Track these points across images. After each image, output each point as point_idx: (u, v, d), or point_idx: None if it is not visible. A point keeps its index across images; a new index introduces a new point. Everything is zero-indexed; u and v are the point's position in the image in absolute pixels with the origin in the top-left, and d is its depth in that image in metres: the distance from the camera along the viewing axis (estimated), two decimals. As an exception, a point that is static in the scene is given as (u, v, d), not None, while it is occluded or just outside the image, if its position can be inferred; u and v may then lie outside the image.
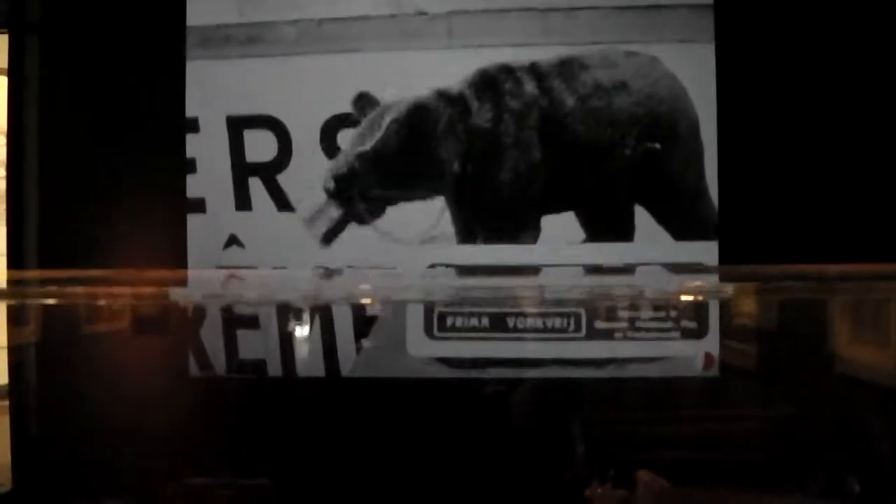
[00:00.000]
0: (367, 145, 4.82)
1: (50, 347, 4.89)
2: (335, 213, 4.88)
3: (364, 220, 4.86)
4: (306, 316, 4.90)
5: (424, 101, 4.80)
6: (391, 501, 4.33)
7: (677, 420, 4.45)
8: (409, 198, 4.87)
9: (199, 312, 4.99)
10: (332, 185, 4.88)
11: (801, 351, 4.74)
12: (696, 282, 3.76)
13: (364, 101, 4.81)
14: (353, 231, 4.94)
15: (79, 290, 2.90)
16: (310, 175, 4.99)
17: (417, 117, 4.78)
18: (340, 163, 4.88)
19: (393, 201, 4.87)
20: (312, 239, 4.90)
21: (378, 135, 4.80)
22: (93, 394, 4.71)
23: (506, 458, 4.62)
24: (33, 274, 4.49)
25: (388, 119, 4.80)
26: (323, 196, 4.87)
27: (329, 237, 4.90)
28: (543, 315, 4.87)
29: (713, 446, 4.20)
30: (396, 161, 4.83)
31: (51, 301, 3.11)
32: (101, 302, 3.03)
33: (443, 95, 4.83)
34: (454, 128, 4.80)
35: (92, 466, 4.16)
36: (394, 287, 3.94)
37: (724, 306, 4.90)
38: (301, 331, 4.90)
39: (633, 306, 4.87)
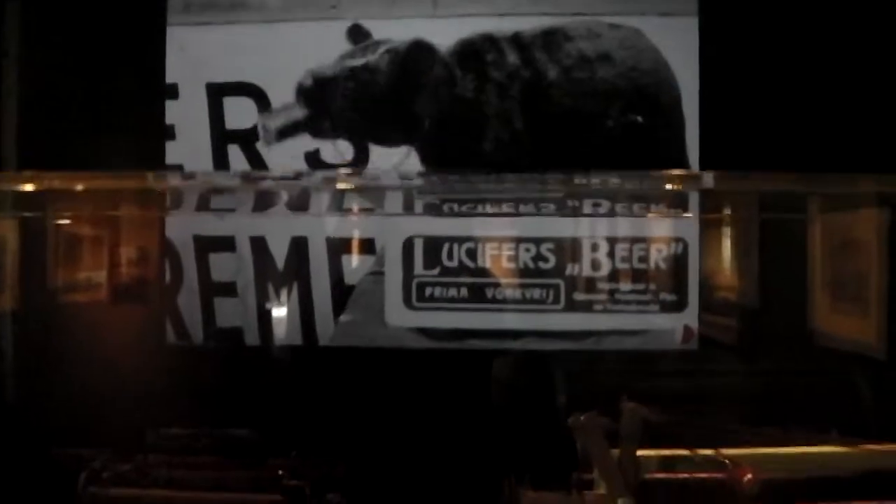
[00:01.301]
0: (356, 62, 4.77)
1: (27, 316, 4.84)
2: (298, 113, 4.83)
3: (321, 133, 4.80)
4: (285, 284, 4.87)
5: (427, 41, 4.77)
6: (369, 468, 4.31)
7: (656, 386, 4.44)
8: (380, 139, 4.83)
9: (177, 279, 4.96)
10: (309, 81, 4.83)
11: (780, 324, 4.74)
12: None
13: (357, 34, 4.77)
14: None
15: (55, 175, 2.86)
16: (289, 143, 4.95)
17: (415, 53, 4.74)
18: (323, 68, 4.82)
19: (362, 137, 4.83)
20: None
21: (370, 57, 4.75)
22: (69, 362, 4.66)
23: (485, 427, 4.60)
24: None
25: (383, 48, 4.75)
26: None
27: (283, 134, 4.85)
28: (523, 286, 4.85)
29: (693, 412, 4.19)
30: (380, 87, 4.79)
31: (28, 187, 3.06)
32: (80, 187, 2.96)
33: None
34: (438, 92, 4.77)
35: (68, 435, 4.11)
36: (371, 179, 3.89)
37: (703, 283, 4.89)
38: (279, 299, 4.87)
39: (613, 277, 4.86)
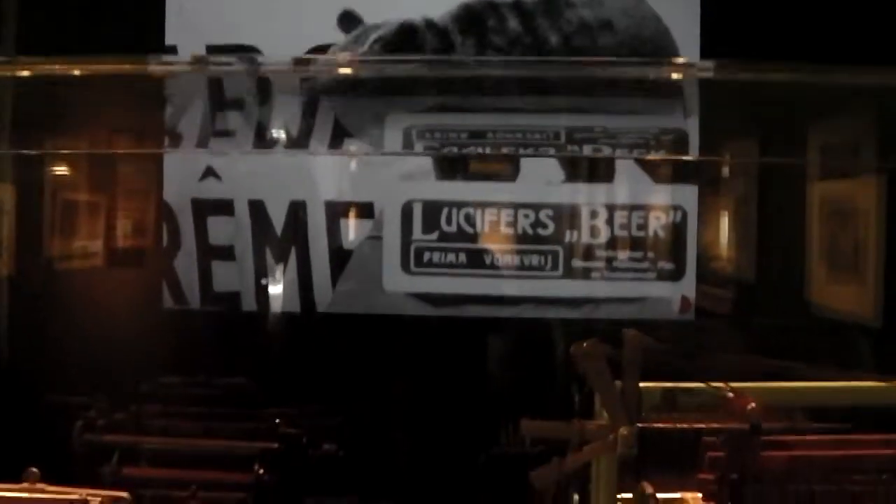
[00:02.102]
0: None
1: (23, 282, 4.82)
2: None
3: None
4: (283, 249, 4.86)
5: (413, 22, 4.75)
6: (366, 424, 4.30)
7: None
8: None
9: (174, 243, 4.94)
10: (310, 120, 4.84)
11: (778, 293, 4.74)
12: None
13: (348, 20, 4.76)
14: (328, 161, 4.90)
15: (56, 60, 2.84)
16: (288, 106, 4.93)
17: (404, 37, 4.72)
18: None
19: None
20: (288, 171, 4.85)
21: (362, 50, 4.74)
22: (66, 327, 4.64)
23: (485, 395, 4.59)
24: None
25: (372, 37, 4.74)
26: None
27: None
28: (521, 252, 4.84)
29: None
30: (375, 80, 4.79)
31: (25, 73, 3.03)
32: (78, 72, 2.93)
33: (430, 25, 4.78)
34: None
35: (65, 395, 4.09)
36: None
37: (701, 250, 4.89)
38: (277, 264, 4.85)
39: (611, 245, 4.85)
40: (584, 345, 2.07)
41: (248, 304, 4.92)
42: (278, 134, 4.80)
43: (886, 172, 4.18)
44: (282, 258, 4.88)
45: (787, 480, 2.11)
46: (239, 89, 4.75)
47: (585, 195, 4.81)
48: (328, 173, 4.85)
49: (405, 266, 4.80)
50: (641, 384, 2.19)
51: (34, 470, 2.35)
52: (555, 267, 4.79)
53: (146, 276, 4.91)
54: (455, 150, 4.63)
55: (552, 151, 4.59)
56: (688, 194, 4.81)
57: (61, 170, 4.90)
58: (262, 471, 3.03)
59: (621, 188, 4.80)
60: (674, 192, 4.80)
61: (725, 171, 4.87)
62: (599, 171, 4.82)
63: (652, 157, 4.61)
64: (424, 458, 4.28)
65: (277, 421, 3.39)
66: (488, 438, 4.22)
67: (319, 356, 4.55)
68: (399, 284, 4.80)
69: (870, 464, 2.09)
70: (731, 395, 2.08)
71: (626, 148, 4.64)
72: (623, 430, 2.10)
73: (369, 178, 4.78)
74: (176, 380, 3.70)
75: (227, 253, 4.91)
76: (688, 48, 4.78)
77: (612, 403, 2.08)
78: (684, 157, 4.59)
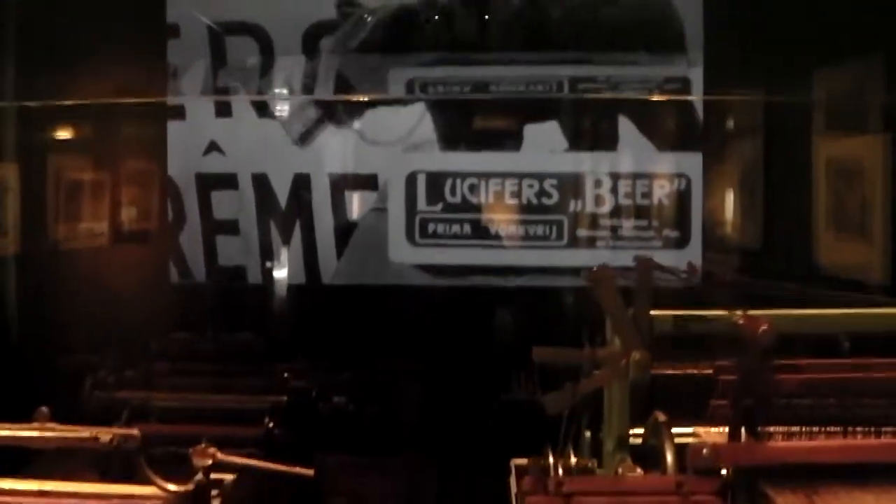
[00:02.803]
0: (350, 43, 4.77)
1: (30, 260, 4.82)
2: (312, 113, 4.83)
3: (342, 121, 4.81)
4: (287, 222, 4.86)
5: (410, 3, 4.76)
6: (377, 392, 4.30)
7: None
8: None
9: (179, 218, 4.94)
10: (311, 82, 4.83)
11: (783, 258, 4.73)
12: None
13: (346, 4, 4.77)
14: (332, 134, 4.90)
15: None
16: (291, 81, 4.93)
17: (402, 18, 4.73)
18: (321, 60, 4.82)
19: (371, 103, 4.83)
20: (291, 143, 4.85)
21: (361, 35, 4.74)
22: (74, 303, 4.64)
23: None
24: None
25: (371, 20, 4.75)
26: (302, 99, 4.82)
27: (305, 137, 4.85)
28: (525, 222, 4.84)
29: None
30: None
31: None
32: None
33: (429, 1, 4.79)
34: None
35: (75, 357, 4.09)
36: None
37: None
38: (281, 237, 4.85)
39: (616, 213, 4.85)
40: (595, 269, 2.07)
41: (254, 277, 4.92)
42: (280, 90, 4.80)
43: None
44: (286, 231, 4.88)
45: (800, 403, 2.10)
46: (240, 46, 4.76)
47: (589, 164, 4.80)
48: (332, 146, 4.84)
49: (410, 237, 4.80)
50: (653, 311, 2.19)
51: (44, 409, 2.34)
52: (560, 236, 4.79)
53: (152, 252, 4.90)
54: (458, 97, 4.62)
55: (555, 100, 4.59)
56: (692, 161, 4.80)
57: (65, 147, 4.89)
58: (272, 425, 3.02)
59: (625, 156, 4.79)
60: (678, 160, 4.79)
61: (730, 136, 4.86)
62: (603, 140, 4.81)
63: (657, 97, 4.60)
64: (431, 413, 4.27)
65: (286, 375, 3.38)
66: (491, 399, 4.22)
67: (326, 327, 4.55)
68: (404, 256, 4.80)
69: (884, 387, 2.08)
70: (742, 320, 2.06)
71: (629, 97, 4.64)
72: (635, 355, 2.10)
73: (373, 150, 4.78)
74: (185, 338, 3.68)
75: (231, 227, 4.91)
76: (690, 17, 4.77)
77: (624, 329, 2.08)
78: (688, 97, 4.59)
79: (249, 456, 2.59)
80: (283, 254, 4.89)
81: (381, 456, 3.85)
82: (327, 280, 4.85)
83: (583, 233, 4.83)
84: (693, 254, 4.89)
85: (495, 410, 4.07)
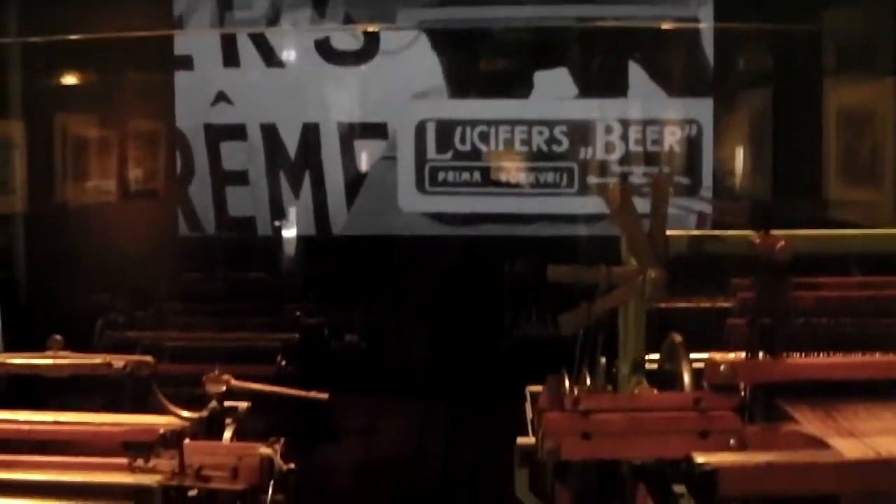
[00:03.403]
0: None
1: (39, 216, 4.80)
2: None
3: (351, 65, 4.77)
4: (297, 172, 4.84)
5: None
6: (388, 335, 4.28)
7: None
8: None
9: (188, 169, 4.92)
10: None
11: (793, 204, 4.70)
12: None
13: None
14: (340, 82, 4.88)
15: None
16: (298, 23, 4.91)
17: None
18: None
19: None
20: (300, 93, 4.82)
21: None
22: (84, 258, 4.62)
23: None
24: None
25: None
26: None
27: None
28: (536, 170, 4.81)
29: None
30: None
31: None
32: None
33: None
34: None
35: (85, 312, 4.08)
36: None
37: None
38: (291, 187, 4.83)
39: (626, 161, 4.82)
40: (611, 185, 2.04)
41: (264, 228, 4.90)
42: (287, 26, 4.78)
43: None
44: (296, 181, 4.86)
45: (818, 321, 2.08)
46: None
47: (600, 110, 4.77)
48: (341, 94, 4.81)
49: (420, 186, 4.77)
50: (668, 232, 2.16)
51: (58, 337, 2.33)
52: (570, 184, 4.76)
53: (160, 205, 4.88)
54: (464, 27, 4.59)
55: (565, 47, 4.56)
56: (703, 108, 4.76)
57: (72, 101, 4.87)
58: (284, 362, 3.00)
59: (635, 103, 4.76)
60: (688, 106, 4.75)
61: (740, 82, 4.82)
62: (613, 86, 4.78)
63: (667, 25, 4.56)
64: (441, 353, 4.25)
65: (298, 314, 3.37)
66: (502, 338, 4.21)
67: (337, 272, 4.53)
68: (414, 204, 4.78)
69: (901, 305, 2.05)
70: (759, 239, 2.04)
71: (638, 37, 4.60)
72: (651, 274, 2.07)
73: (382, 98, 4.75)
74: (196, 278, 3.66)
75: (241, 178, 4.89)
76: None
77: (641, 246, 2.06)
78: (696, 25, 4.54)
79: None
80: (293, 204, 4.86)
81: (393, 395, 3.84)
82: (338, 230, 4.82)
83: (593, 180, 4.80)
84: (703, 201, 4.86)
85: (507, 348, 4.05)
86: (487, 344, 4.07)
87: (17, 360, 2.32)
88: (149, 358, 2.23)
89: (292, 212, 4.69)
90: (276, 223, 4.69)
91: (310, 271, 4.48)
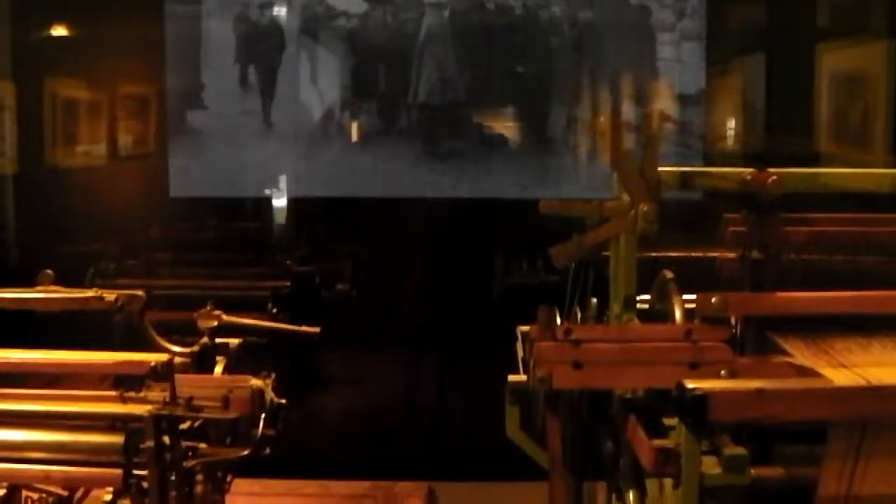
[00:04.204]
0: None
1: (29, 177, 4.79)
2: None
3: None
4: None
5: None
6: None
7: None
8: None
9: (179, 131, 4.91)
10: None
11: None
12: None
13: None
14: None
15: None
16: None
17: None
18: None
19: None
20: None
21: None
22: (74, 219, 4.61)
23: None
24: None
25: None
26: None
27: None
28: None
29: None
30: None
31: None
32: None
33: None
34: None
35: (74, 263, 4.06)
36: None
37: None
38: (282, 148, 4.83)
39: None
40: (602, 119, 2.04)
41: (254, 190, 4.89)
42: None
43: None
44: (286, 142, 4.84)
45: (809, 257, 2.08)
46: None
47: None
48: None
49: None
50: (659, 168, 2.16)
51: (49, 272, 2.33)
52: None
53: (149, 166, 4.87)
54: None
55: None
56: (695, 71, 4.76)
57: (62, 59, 4.84)
58: (275, 311, 3.00)
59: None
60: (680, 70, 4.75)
61: (733, 46, 4.82)
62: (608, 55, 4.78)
63: None
64: (432, 301, 4.24)
65: (289, 262, 3.37)
66: (493, 286, 4.20)
67: (330, 235, 4.51)
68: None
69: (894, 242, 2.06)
70: (750, 176, 2.04)
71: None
72: (643, 206, 2.07)
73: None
74: (186, 227, 3.65)
75: (230, 139, 4.88)
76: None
77: (632, 179, 2.06)
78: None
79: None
80: (285, 164, 4.85)
81: (385, 342, 3.84)
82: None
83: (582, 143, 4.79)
84: (695, 164, 4.84)
85: (499, 296, 4.04)
86: (480, 291, 4.06)
87: (7, 294, 2.31)
88: (140, 292, 2.22)
89: (283, 172, 4.68)
90: (267, 184, 4.67)
91: (300, 227, 4.46)
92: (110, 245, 4.04)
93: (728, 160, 4.82)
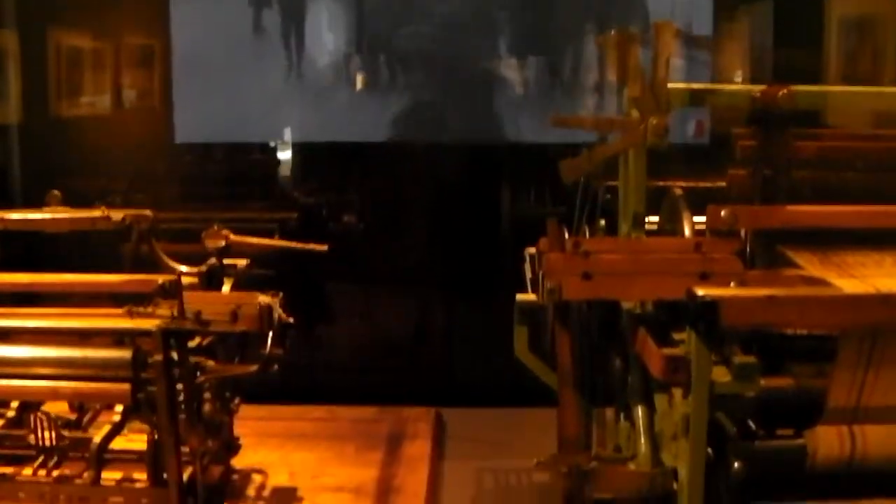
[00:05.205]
0: None
1: (33, 125, 4.76)
2: None
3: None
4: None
5: None
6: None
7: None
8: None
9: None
10: None
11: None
12: None
13: None
14: None
15: None
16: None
17: None
18: None
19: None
20: None
21: None
22: (81, 166, 4.57)
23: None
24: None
25: None
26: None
27: None
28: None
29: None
30: None
31: None
32: None
33: None
34: None
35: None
36: None
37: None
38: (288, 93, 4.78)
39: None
40: (613, 31, 2.02)
41: (259, 135, 4.84)
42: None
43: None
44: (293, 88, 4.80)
45: (820, 173, 2.07)
46: None
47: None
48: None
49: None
50: (669, 85, 2.14)
51: (56, 192, 2.32)
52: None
53: (155, 112, 4.83)
54: None
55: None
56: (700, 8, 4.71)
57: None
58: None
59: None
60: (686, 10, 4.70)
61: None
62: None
63: None
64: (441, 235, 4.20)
65: (296, 194, 3.34)
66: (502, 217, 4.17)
67: (337, 178, 4.48)
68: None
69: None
70: (759, 93, 2.02)
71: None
72: (653, 121, 2.06)
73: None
74: (192, 159, 3.62)
75: (236, 86, 4.83)
76: None
77: (642, 93, 2.04)
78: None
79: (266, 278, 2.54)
80: (290, 110, 4.81)
81: (391, 275, 3.81)
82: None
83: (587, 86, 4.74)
84: (702, 110, 4.81)
85: (508, 227, 4.00)
86: (488, 226, 4.01)
87: (15, 215, 2.30)
88: (147, 211, 2.21)
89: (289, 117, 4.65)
90: (273, 129, 4.64)
91: (308, 171, 4.44)
92: (117, 183, 4.04)
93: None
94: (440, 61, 4.51)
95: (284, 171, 4.15)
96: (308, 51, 4.70)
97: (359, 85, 4.62)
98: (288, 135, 4.68)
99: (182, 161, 4.33)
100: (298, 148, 4.67)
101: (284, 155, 4.57)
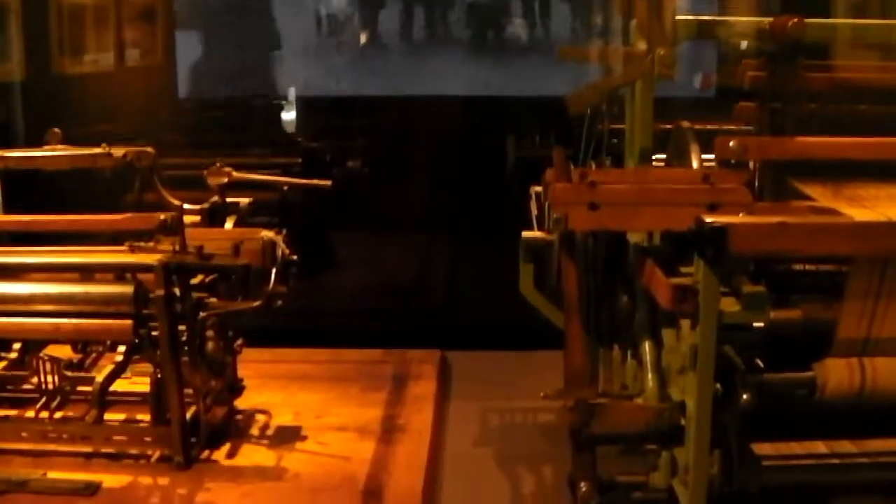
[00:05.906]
0: None
1: (35, 85, 4.71)
2: None
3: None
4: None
5: None
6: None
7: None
8: None
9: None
10: None
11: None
12: None
13: None
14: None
15: None
16: None
17: None
18: None
19: None
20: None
21: None
22: (81, 121, 4.53)
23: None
24: None
25: None
26: None
27: None
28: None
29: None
30: None
31: None
32: None
33: None
34: None
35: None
36: None
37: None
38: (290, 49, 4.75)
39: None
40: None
41: (262, 90, 4.81)
42: None
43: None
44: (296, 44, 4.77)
45: (830, 103, 2.03)
46: None
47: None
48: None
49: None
50: (678, 17, 2.11)
51: (56, 130, 2.29)
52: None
53: (158, 67, 4.80)
54: None
55: None
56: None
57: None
58: (286, 187, 2.94)
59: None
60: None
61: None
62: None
63: None
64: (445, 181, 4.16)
65: (300, 139, 3.31)
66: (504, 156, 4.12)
67: (341, 133, 4.44)
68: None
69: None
70: (768, 25, 1.98)
71: None
72: (660, 52, 2.02)
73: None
74: (194, 106, 3.59)
75: (240, 43, 4.80)
76: None
77: (650, 25, 2.00)
78: None
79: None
80: (293, 64, 4.78)
81: (395, 221, 3.78)
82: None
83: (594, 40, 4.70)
84: (709, 64, 4.76)
85: (512, 171, 3.96)
86: (491, 171, 3.98)
87: (15, 153, 2.27)
88: (149, 148, 2.18)
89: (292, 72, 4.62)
90: (275, 84, 4.61)
91: (311, 121, 4.40)
92: (120, 127, 4.01)
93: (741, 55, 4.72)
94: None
95: (288, 120, 4.11)
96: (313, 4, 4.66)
97: (362, 39, 4.59)
98: (292, 91, 4.64)
99: (185, 114, 4.30)
100: (302, 101, 4.64)
101: (288, 105, 4.54)
